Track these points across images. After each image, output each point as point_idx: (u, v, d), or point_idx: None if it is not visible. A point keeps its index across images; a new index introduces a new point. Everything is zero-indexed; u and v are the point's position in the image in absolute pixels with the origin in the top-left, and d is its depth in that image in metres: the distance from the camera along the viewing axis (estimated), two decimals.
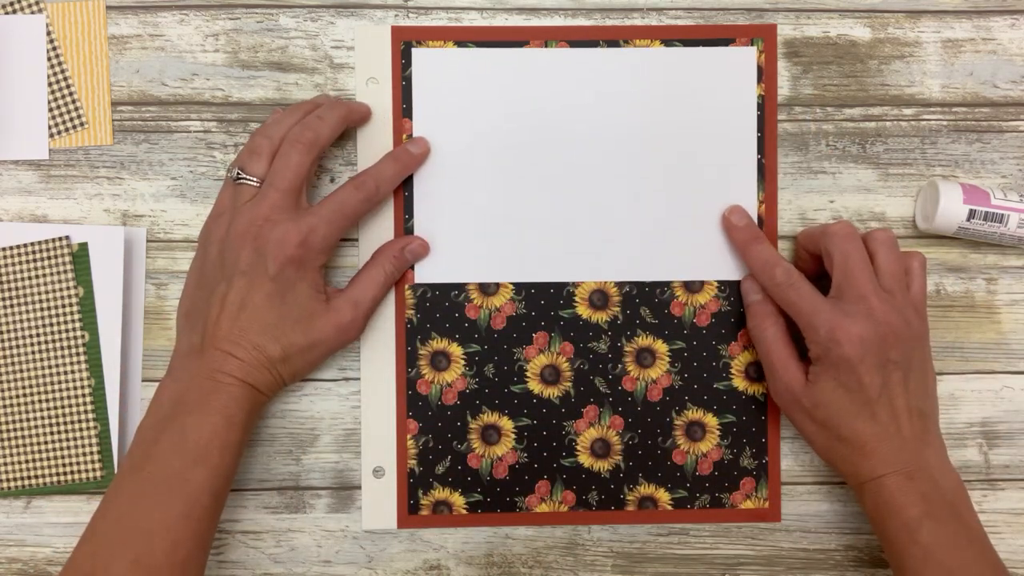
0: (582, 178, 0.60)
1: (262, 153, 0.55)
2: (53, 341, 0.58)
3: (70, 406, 0.58)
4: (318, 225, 0.55)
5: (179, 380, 0.54)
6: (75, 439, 0.58)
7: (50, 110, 0.59)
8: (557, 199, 0.60)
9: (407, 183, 0.60)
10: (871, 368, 0.54)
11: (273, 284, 0.54)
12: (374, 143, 0.60)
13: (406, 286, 0.60)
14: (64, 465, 0.58)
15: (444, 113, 0.60)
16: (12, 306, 0.58)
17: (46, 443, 0.58)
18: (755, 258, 0.58)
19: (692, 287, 0.61)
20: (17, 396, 0.58)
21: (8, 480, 0.59)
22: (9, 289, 0.58)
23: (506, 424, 0.60)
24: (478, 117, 0.60)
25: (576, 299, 0.60)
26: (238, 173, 0.55)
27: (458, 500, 0.60)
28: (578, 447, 0.61)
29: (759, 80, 0.60)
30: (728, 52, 0.60)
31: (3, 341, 0.58)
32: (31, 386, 0.58)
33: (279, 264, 0.54)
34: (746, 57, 0.60)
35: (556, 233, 0.60)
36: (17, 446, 0.58)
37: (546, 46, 0.60)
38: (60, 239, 0.59)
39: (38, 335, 0.58)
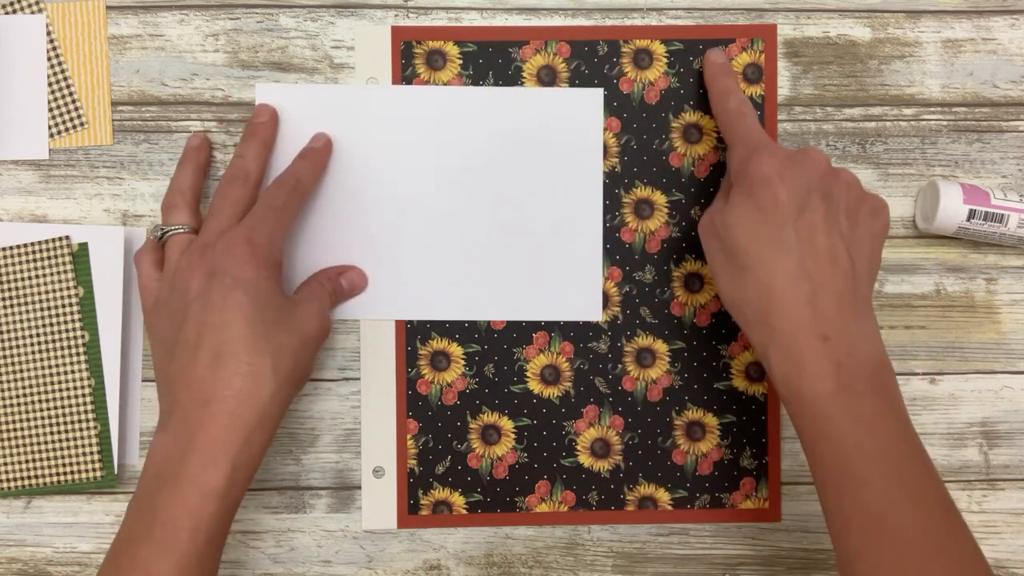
0: (432, 218, 0.59)
1: (176, 205, 0.55)
2: (53, 341, 0.58)
3: (70, 406, 0.58)
4: (255, 224, 0.52)
5: (169, 429, 0.50)
6: (75, 439, 0.58)
7: (50, 110, 0.59)
8: (413, 239, 0.60)
9: None
10: (788, 188, 0.49)
11: (233, 294, 0.50)
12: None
13: None
14: (64, 465, 0.58)
15: (292, 149, 0.59)
16: (12, 306, 0.58)
17: (46, 443, 0.58)
18: (717, 88, 0.57)
19: (692, 287, 0.61)
20: (17, 396, 0.58)
21: (8, 480, 0.59)
22: (9, 289, 0.58)
23: (506, 424, 0.60)
24: (338, 150, 0.59)
25: None
26: (162, 230, 0.55)
27: (458, 500, 0.60)
28: (578, 447, 0.61)
29: (756, 81, 0.60)
30: (575, 93, 0.60)
31: (3, 341, 0.58)
32: (31, 386, 0.58)
33: (233, 272, 0.51)
34: (593, 98, 0.60)
35: (421, 273, 0.60)
36: (17, 446, 0.58)
37: (546, 47, 0.60)
38: (60, 239, 0.59)
39: (38, 335, 0.58)
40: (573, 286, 0.60)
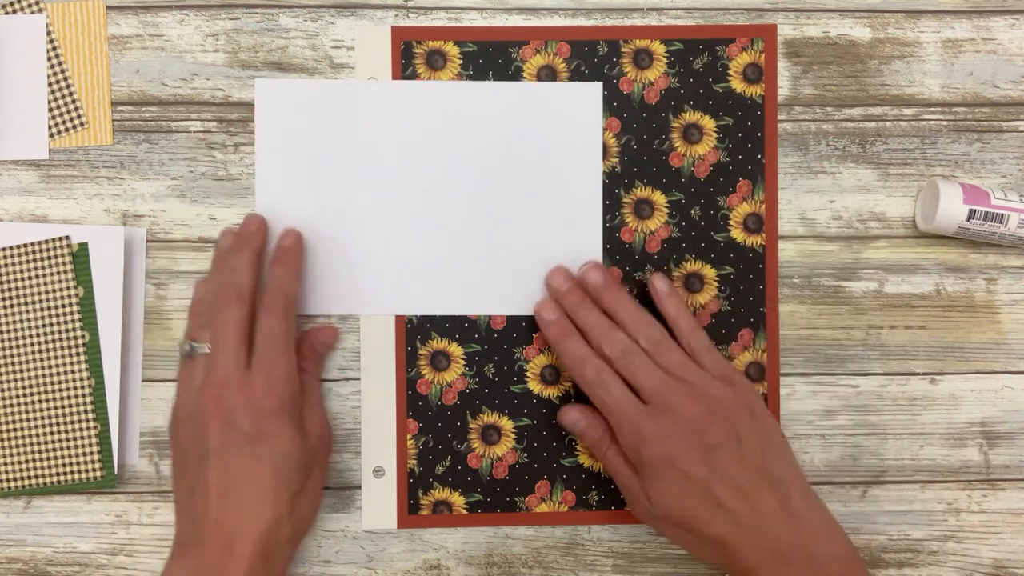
0: (432, 212, 0.60)
1: (205, 322, 0.55)
2: (53, 341, 0.58)
3: (70, 406, 0.58)
4: (270, 368, 0.53)
5: (190, 561, 0.52)
6: (75, 439, 0.58)
7: (50, 110, 0.59)
8: (412, 232, 0.60)
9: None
10: (691, 460, 0.52)
11: (255, 447, 0.52)
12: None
13: None
14: (64, 465, 0.58)
15: (291, 146, 0.59)
16: (12, 306, 0.58)
17: (46, 443, 0.58)
18: (567, 354, 0.56)
19: (692, 287, 0.61)
20: (17, 396, 0.58)
21: (8, 480, 0.59)
22: (9, 289, 0.58)
23: (506, 424, 0.60)
24: (327, 149, 0.59)
25: None
26: (191, 346, 0.55)
27: (458, 500, 0.60)
28: (578, 447, 0.61)
29: (756, 81, 0.60)
30: (575, 87, 0.60)
31: (3, 341, 0.58)
32: (31, 386, 0.58)
33: (255, 425, 0.53)
34: (592, 92, 0.60)
35: (415, 265, 0.60)
36: (17, 446, 0.58)
37: (546, 47, 0.60)
38: (60, 239, 0.59)
39: (38, 335, 0.58)
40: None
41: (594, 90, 0.60)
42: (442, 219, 0.60)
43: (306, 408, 0.56)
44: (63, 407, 0.58)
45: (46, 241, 0.59)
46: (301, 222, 0.59)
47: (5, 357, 0.58)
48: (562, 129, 0.60)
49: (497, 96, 0.60)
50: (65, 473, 0.58)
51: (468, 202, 0.60)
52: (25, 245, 0.59)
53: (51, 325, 0.58)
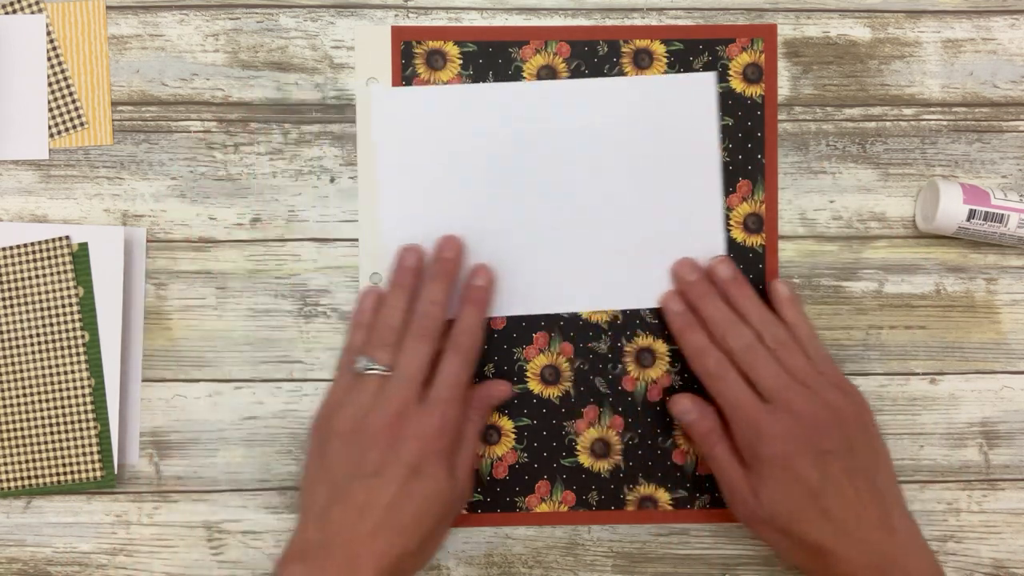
0: (547, 209, 0.60)
1: (388, 344, 0.55)
2: (53, 341, 0.58)
3: (70, 406, 0.58)
4: (446, 409, 0.54)
5: (312, 569, 0.52)
6: (75, 439, 0.58)
7: (50, 110, 0.59)
8: (524, 230, 0.60)
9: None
10: (806, 463, 0.53)
11: (410, 482, 0.53)
12: (373, 142, 0.60)
13: None
14: (64, 465, 0.58)
15: (409, 147, 0.59)
16: (12, 306, 0.58)
17: (46, 443, 0.58)
18: (690, 344, 0.57)
19: None
20: (17, 396, 0.58)
21: (8, 480, 0.59)
22: (9, 289, 0.58)
23: (506, 424, 0.60)
24: (443, 150, 0.59)
25: None
26: (368, 364, 0.55)
27: None
28: (578, 447, 0.61)
29: (756, 81, 0.60)
30: (689, 79, 0.60)
31: (3, 341, 0.58)
32: (31, 386, 0.58)
33: (418, 460, 0.53)
34: (706, 83, 0.60)
35: (524, 264, 0.60)
36: (17, 446, 0.58)
37: (546, 47, 0.60)
38: (60, 239, 0.59)
39: (38, 335, 0.58)
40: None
41: (708, 80, 0.60)
42: (559, 217, 0.60)
43: (459, 458, 0.56)
44: (63, 407, 0.58)
45: (46, 241, 0.59)
46: (420, 227, 0.59)
47: (5, 357, 0.58)
48: (678, 121, 0.60)
49: (610, 91, 0.60)
50: (65, 473, 0.59)
51: (585, 199, 0.60)
52: (25, 245, 0.59)
53: (51, 325, 0.58)
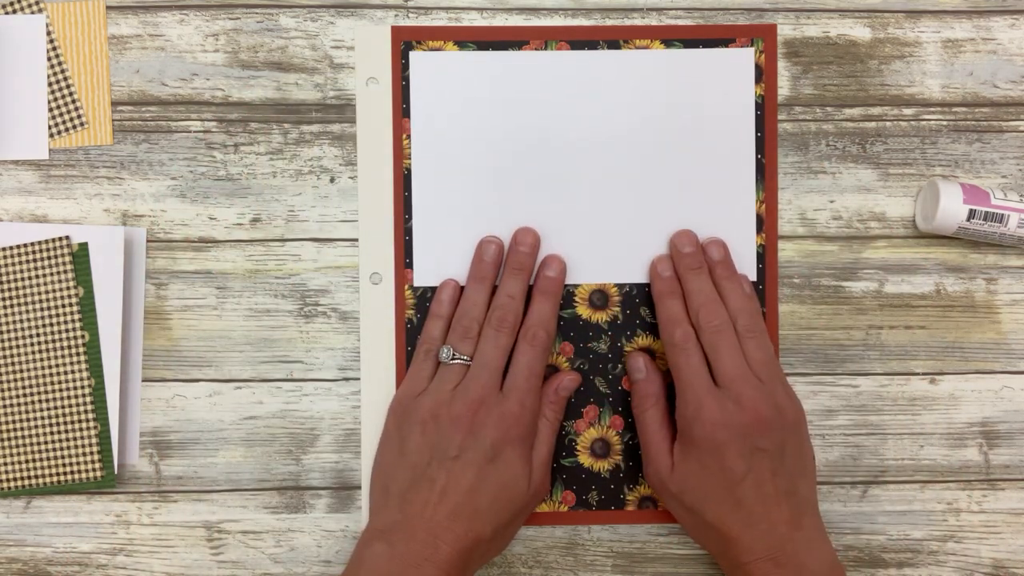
0: (581, 180, 0.60)
1: (472, 336, 0.57)
2: (53, 341, 0.58)
3: (70, 406, 0.58)
4: (524, 397, 0.56)
5: (394, 546, 0.54)
6: (75, 439, 0.58)
7: (50, 110, 0.59)
8: (556, 201, 0.60)
9: (407, 184, 0.60)
10: (736, 454, 0.54)
11: (489, 467, 0.55)
12: (373, 143, 0.60)
13: (406, 287, 0.60)
14: (64, 465, 0.59)
15: (443, 115, 0.60)
16: (12, 306, 0.58)
17: (46, 443, 0.58)
18: (665, 311, 0.58)
19: None
20: (17, 396, 0.58)
21: (8, 480, 0.59)
22: (9, 289, 0.58)
23: None
24: (477, 120, 0.60)
25: (576, 299, 0.60)
26: (453, 354, 0.57)
27: None
28: (578, 447, 0.61)
29: (758, 80, 0.60)
30: (726, 53, 0.60)
31: (3, 341, 0.58)
32: (31, 386, 0.58)
33: (497, 446, 0.55)
34: (744, 58, 0.60)
35: (555, 235, 0.60)
36: (17, 446, 0.58)
37: (546, 47, 0.60)
38: (60, 239, 0.59)
39: (38, 335, 0.58)
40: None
41: (747, 55, 0.60)
42: (594, 190, 0.60)
43: (535, 451, 0.57)
44: (63, 407, 0.58)
45: (46, 241, 0.59)
46: (449, 190, 0.59)
47: (5, 357, 0.58)
48: (715, 95, 0.60)
49: (647, 63, 0.60)
50: (65, 473, 0.59)
51: (620, 173, 0.60)
52: (25, 245, 0.59)
53: (51, 325, 0.58)
